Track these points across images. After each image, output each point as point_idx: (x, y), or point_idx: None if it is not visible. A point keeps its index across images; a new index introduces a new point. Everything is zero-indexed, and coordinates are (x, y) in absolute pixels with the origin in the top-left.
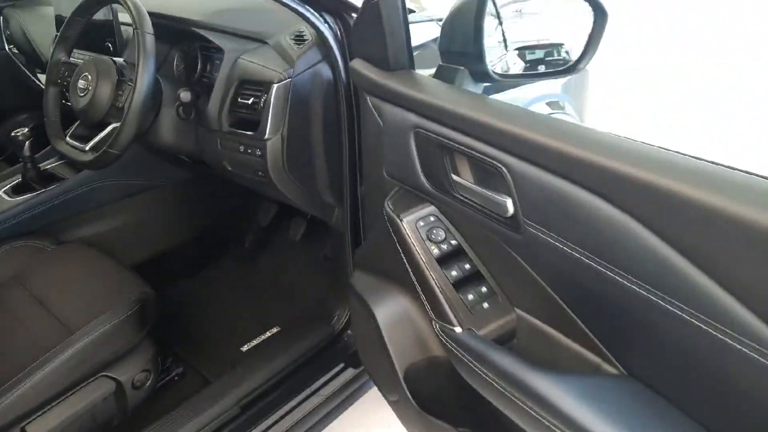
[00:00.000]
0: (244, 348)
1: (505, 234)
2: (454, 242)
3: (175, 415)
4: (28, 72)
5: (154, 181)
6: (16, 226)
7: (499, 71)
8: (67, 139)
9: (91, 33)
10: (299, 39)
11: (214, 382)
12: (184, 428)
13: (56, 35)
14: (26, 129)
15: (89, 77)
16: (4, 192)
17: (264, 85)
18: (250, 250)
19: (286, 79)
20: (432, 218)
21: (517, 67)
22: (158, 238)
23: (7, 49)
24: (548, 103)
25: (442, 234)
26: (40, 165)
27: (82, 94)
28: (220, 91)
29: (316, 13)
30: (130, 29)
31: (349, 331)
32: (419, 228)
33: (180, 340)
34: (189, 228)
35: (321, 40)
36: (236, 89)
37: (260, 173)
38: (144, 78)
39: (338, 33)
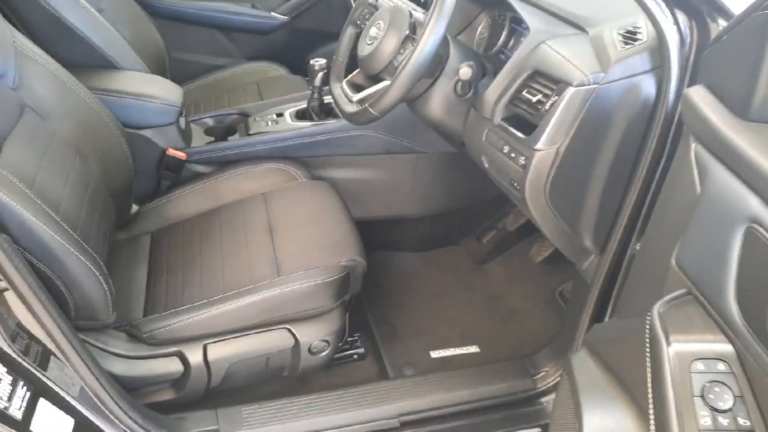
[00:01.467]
0: (434, 354)
1: None
2: (744, 423)
3: (336, 397)
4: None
5: (418, 145)
6: (284, 149)
7: None
8: (343, 83)
9: None
10: (630, 37)
11: (388, 382)
12: (337, 416)
13: None
14: (324, 61)
15: (381, 26)
16: (289, 114)
17: (559, 84)
18: (485, 248)
19: (589, 85)
20: (721, 366)
21: None
22: (399, 203)
23: None
24: None
25: (728, 400)
26: (324, 98)
27: (369, 42)
28: (506, 76)
29: (666, 8)
30: None
31: (552, 396)
32: (693, 371)
33: (371, 318)
34: (434, 202)
35: (660, 44)
36: (525, 80)
37: (515, 184)
38: (428, 41)
39: (688, 42)
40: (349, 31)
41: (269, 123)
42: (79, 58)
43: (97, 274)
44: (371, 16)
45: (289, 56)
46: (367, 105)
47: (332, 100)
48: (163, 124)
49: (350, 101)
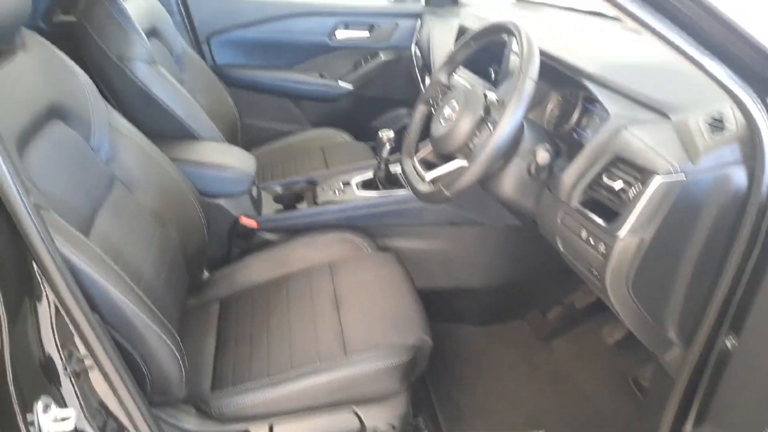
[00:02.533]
0: None
1: None
2: None
3: None
4: (418, 73)
5: (483, 218)
6: (351, 218)
7: None
8: (415, 161)
9: (478, 53)
10: (717, 125)
11: None
12: None
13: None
14: (392, 132)
15: (455, 106)
16: (356, 183)
17: (643, 173)
18: (551, 324)
19: (676, 174)
20: None
21: None
22: (462, 274)
23: (412, 48)
24: None
25: None
26: (391, 167)
27: (443, 123)
28: (585, 160)
29: (753, 94)
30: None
31: None
32: None
33: (435, 397)
34: (498, 274)
35: (751, 135)
36: (606, 165)
37: (595, 272)
38: (507, 125)
39: None
40: (421, 109)
41: (336, 192)
42: (164, 128)
43: (174, 349)
44: (444, 95)
45: (353, 122)
46: (440, 185)
47: (402, 176)
48: (236, 193)
49: (422, 179)
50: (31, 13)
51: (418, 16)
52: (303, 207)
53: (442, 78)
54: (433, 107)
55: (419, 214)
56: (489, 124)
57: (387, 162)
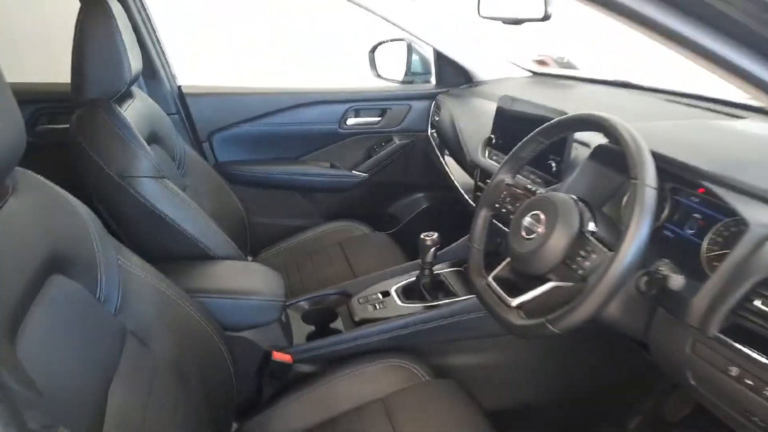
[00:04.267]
0: None
1: None
2: None
3: None
4: (440, 156)
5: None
6: (398, 338)
7: None
8: (490, 280)
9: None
10: None
11: None
12: None
13: (489, 137)
14: (436, 235)
15: (541, 218)
16: (396, 292)
17: None
18: None
19: None
20: None
21: None
22: (528, 388)
23: (428, 131)
24: None
25: None
26: (435, 270)
27: (527, 236)
28: (723, 279)
29: None
30: (581, 149)
31: None
32: None
33: None
34: (569, 385)
35: None
36: (755, 286)
37: (758, 420)
38: (633, 246)
39: None
40: (484, 215)
41: (376, 306)
42: (175, 249)
43: None
44: (513, 199)
45: (369, 211)
46: (545, 320)
47: (480, 299)
48: (265, 323)
49: (506, 305)
50: None
51: (431, 97)
52: (338, 327)
53: (506, 178)
54: (500, 212)
55: (477, 326)
56: (595, 241)
57: (431, 267)
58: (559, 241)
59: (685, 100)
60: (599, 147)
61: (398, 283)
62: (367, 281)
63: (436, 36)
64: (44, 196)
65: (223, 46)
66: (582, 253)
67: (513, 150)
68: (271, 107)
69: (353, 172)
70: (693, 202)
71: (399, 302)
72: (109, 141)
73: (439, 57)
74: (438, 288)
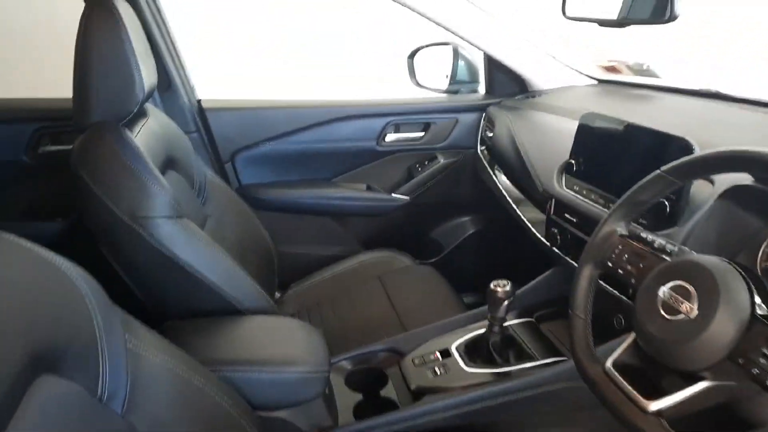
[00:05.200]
0: None
1: None
2: None
3: None
4: (489, 169)
5: None
6: (468, 415)
7: None
8: (609, 366)
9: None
10: None
11: None
12: None
13: (568, 162)
14: (509, 285)
15: (690, 292)
16: (458, 351)
17: None
18: None
19: None
20: None
21: None
22: None
23: (478, 148)
24: None
25: None
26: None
27: (668, 315)
28: None
29: None
30: (700, 183)
31: None
32: None
33: None
34: None
35: None
36: None
37: None
38: None
39: None
40: (588, 274)
41: (436, 371)
42: (195, 303)
43: None
44: (631, 254)
45: (410, 238)
46: None
47: (595, 392)
48: (306, 400)
49: (641, 408)
50: (11, 146)
51: (480, 109)
52: (390, 394)
53: (619, 229)
54: (609, 269)
55: (566, 397)
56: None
57: (502, 323)
58: (725, 330)
59: None
60: (738, 187)
61: (459, 338)
62: (421, 335)
63: (489, 39)
64: (25, 268)
65: (223, 46)
66: (766, 350)
67: (629, 192)
68: (301, 123)
69: (393, 195)
70: None
71: (464, 366)
72: (117, 174)
73: (491, 63)
74: (508, 346)
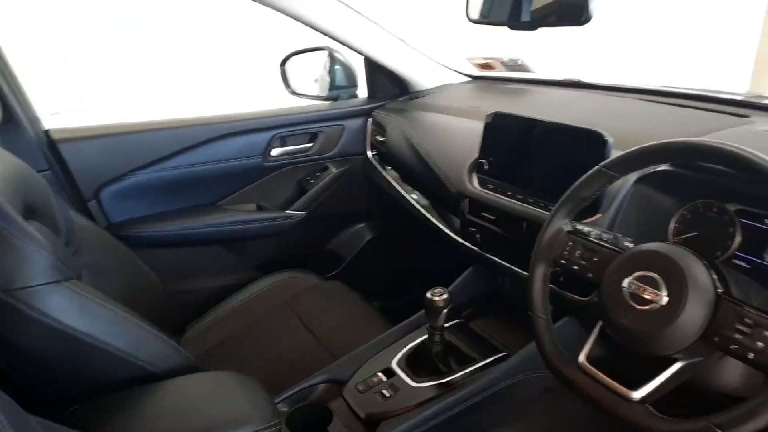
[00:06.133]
0: None
1: None
2: None
3: None
4: (384, 173)
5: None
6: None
7: None
8: (584, 362)
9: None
10: None
11: None
12: None
13: (478, 162)
14: (446, 293)
15: (657, 281)
16: (399, 367)
17: None
18: None
19: None
20: None
21: None
22: None
23: (369, 154)
24: None
25: None
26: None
27: (638, 305)
28: None
29: None
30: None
31: None
32: None
33: None
34: None
35: None
36: None
37: None
38: None
39: None
40: (542, 274)
41: (385, 394)
42: (102, 379)
43: None
44: (584, 251)
45: (310, 255)
46: (710, 423)
47: (577, 392)
48: None
49: (626, 399)
50: None
51: (366, 114)
52: (339, 430)
53: (565, 225)
54: (561, 266)
55: (511, 393)
56: (756, 312)
57: (442, 332)
58: (696, 313)
59: (662, 98)
60: (658, 172)
61: (397, 353)
62: (356, 358)
63: (369, 42)
64: None
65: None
66: (742, 328)
67: (571, 189)
68: (174, 146)
69: (287, 212)
70: None
71: (412, 382)
72: None
73: (371, 66)
74: (448, 352)
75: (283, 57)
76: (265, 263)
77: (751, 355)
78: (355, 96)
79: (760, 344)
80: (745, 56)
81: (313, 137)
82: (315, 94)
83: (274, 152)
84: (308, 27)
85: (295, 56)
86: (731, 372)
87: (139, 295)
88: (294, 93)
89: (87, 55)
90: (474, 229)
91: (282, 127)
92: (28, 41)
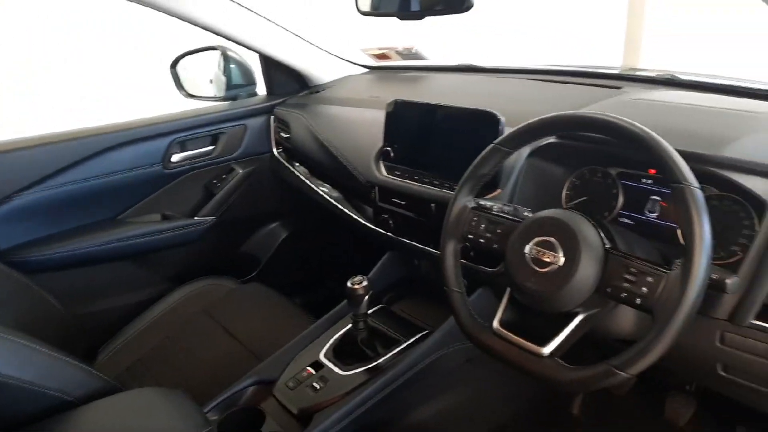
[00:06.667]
0: None
1: None
2: None
3: None
4: (293, 170)
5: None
6: (361, 420)
7: None
8: (498, 327)
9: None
10: None
11: None
12: None
13: (384, 150)
14: (365, 280)
15: (553, 244)
16: (327, 358)
17: None
18: None
19: None
20: None
21: None
22: (501, 418)
23: (274, 151)
24: None
25: None
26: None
27: (539, 268)
28: (753, 265)
29: None
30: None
31: None
32: None
33: None
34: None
35: None
36: None
37: None
38: (704, 258)
39: None
40: (452, 250)
41: (315, 386)
42: (14, 412)
43: None
44: (489, 224)
45: (224, 258)
46: (611, 366)
47: (494, 355)
48: None
49: (537, 355)
50: None
51: (267, 111)
52: (273, 429)
53: (469, 202)
54: (470, 241)
55: (435, 368)
56: (640, 263)
57: (366, 319)
58: (589, 268)
59: (547, 77)
60: (547, 144)
61: (324, 345)
62: (283, 357)
63: (263, 39)
64: None
65: None
66: (628, 277)
67: (470, 168)
68: (63, 160)
69: (195, 218)
70: (646, 184)
71: (340, 371)
72: None
73: (267, 62)
74: (373, 337)
75: (173, 59)
76: (179, 273)
77: (638, 300)
78: (254, 94)
79: (644, 289)
80: (618, 33)
81: (214, 139)
82: (212, 95)
83: (175, 158)
84: (198, 27)
85: (187, 57)
86: (625, 318)
87: (40, 323)
88: (189, 95)
89: (87, 55)
90: (386, 216)
91: (180, 131)
92: (28, 41)
